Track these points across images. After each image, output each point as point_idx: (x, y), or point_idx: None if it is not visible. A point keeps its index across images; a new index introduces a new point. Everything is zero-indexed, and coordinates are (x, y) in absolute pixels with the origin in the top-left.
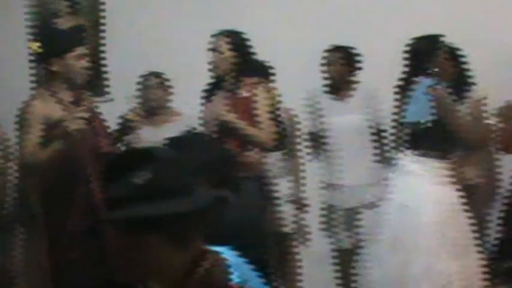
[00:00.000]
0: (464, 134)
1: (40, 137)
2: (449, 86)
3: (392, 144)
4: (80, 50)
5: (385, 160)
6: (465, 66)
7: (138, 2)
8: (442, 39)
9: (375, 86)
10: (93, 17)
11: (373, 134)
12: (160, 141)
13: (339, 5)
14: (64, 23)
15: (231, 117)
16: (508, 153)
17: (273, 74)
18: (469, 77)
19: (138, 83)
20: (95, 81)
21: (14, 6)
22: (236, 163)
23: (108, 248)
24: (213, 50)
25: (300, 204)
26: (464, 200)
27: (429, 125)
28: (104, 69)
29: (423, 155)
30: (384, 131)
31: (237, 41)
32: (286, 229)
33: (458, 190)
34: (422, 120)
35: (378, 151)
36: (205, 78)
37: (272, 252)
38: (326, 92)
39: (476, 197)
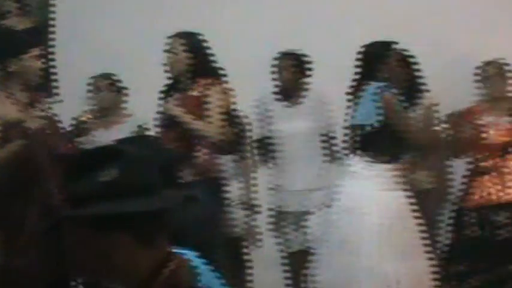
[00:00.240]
0: (414, 139)
1: None
2: (400, 92)
3: (342, 149)
4: (36, 51)
5: (334, 164)
6: (417, 73)
7: (90, 2)
8: (394, 45)
9: (325, 91)
10: (43, 18)
11: (322, 139)
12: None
13: (290, 10)
14: (15, 23)
15: (178, 111)
16: (458, 158)
17: (225, 76)
18: (421, 83)
19: (89, 84)
20: (45, 83)
21: None
22: (181, 165)
23: (67, 247)
24: (168, 51)
25: (250, 207)
26: (413, 204)
27: (376, 129)
28: (53, 70)
29: (372, 159)
30: (334, 137)
31: (192, 42)
32: (237, 232)
33: (407, 193)
34: (369, 124)
35: (327, 156)
36: (160, 80)
37: (224, 255)
38: (276, 98)
39: (427, 201)
